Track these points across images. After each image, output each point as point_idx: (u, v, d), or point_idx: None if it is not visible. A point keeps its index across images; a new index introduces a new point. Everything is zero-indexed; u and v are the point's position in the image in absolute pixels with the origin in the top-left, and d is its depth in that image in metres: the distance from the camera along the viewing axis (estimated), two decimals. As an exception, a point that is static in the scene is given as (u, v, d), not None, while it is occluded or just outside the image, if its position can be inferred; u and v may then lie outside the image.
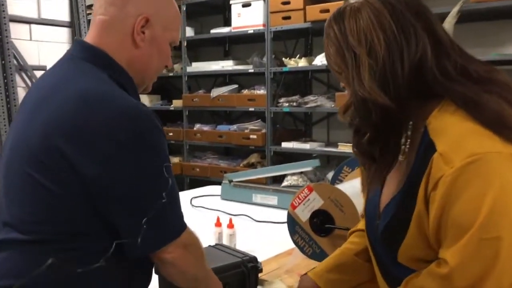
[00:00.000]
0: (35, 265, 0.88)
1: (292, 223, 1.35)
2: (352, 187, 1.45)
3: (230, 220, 1.63)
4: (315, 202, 1.32)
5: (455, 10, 2.36)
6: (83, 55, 0.99)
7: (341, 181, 1.65)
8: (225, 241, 1.60)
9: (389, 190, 0.92)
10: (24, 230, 0.91)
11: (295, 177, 3.56)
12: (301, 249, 1.34)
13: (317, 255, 1.31)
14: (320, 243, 1.30)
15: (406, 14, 0.85)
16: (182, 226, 0.97)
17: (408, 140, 0.88)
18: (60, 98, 0.91)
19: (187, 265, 0.98)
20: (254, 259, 1.25)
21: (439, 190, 0.77)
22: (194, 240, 1.00)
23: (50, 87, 0.96)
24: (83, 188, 0.88)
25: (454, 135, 0.79)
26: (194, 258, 0.99)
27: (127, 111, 0.90)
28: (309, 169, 2.38)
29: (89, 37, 1.02)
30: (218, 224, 1.62)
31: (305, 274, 1.15)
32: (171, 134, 4.33)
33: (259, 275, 1.25)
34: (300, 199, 1.35)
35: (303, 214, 1.34)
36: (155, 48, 1.04)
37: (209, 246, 1.34)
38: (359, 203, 1.33)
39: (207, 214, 2.04)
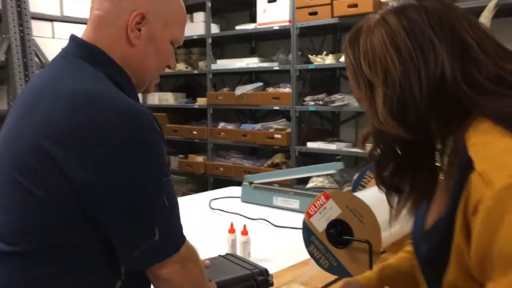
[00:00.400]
0: (20, 279, 0.82)
1: (308, 233, 1.25)
2: (373, 195, 1.34)
3: (244, 227, 1.54)
4: (332, 211, 1.21)
5: (492, 3, 2.19)
6: (77, 53, 0.93)
7: (364, 186, 1.54)
8: (238, 249, 1.52)
9: (434, 211, 0.84)
10: (10, 240, 0.85)
11: (320, 179, 3.45)
12: (317, 261, 1.24)
13: (334, 268, 1.21)
14: (337, 256, 1.20)
15: (425, 28, 0.76)
16: (181, 240, 0.90)
17: (447, 158, 0.80)
18: (52, 98, 0.85)
19: (184, 282, 0.90)
20: (265, 272, 1.16)
21: (479, 215, 0.66)
22: (192, 255, 0.93)
23: (42, 87, 0.90)
24: (74, 195, 0.82)
25: (494, 152, 0.70)
26: (192, 275, 0.92)
27: (122, 112, 0.83)
28: (332, 172, 2.26)
29: (84, 33, 0.96)
30: (231, 230, 1.54)
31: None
32: (195, 132, 4.28)
33: (270, 288, 1.17)
34: (316, 207, 1.24)
35: (319, 224, 1.23)
36: (153, 46, 0.96)
37: (219, 255, 1.26)
38: (381, 212, 1.22)
39: (225, 217, 1.97)
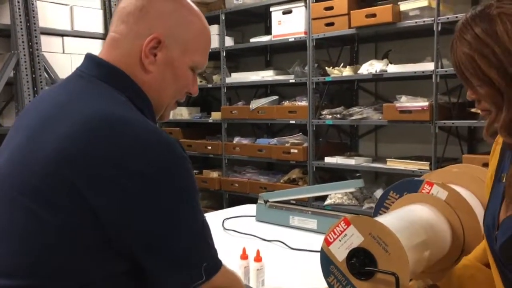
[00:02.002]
0: None
1: (327, 262, 1.13)
2: (399, 219, 1.21)
3: (258, 253, 1.43)
4: (354, 238, 1.10)
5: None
6: (96, 73, 0.85)
7: (387, 208, 1.41)
8: (251, 277, 1.41)
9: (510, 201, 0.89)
10: (13, 273, 0.75)
11: (339, 195, 3.31)
12: (337, 293, 1.12)
13: (357, 302, 1.08)
14: (360, 289, 1.08)
15: None
16: (211, 267, 0.83)
17: None
18: (70, 120, 0.77)
19: None
20: None
21: None
22: (230, 283, 0.86)
23: (56, 107, 0.81)
24: (98, 226, 0.74)
25: None
26: None
27: (152, 141, 0.77)
28: (351, 190, 2.14)
29: (100, 54, 0.89)
30: (244, 256, 1.43)
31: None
32: (209, 147, 4.19)
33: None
34: (335, 234, 1.12)
35: (339, 252, 1.11)
36: (170, 73, 0.89)
37: None
38: (408, 240, 1.10)
39: (239, 239, 1.86)
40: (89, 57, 0.88)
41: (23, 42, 3.08)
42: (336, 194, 3.36)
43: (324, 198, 3.44)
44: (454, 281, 1.16)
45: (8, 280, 0.74)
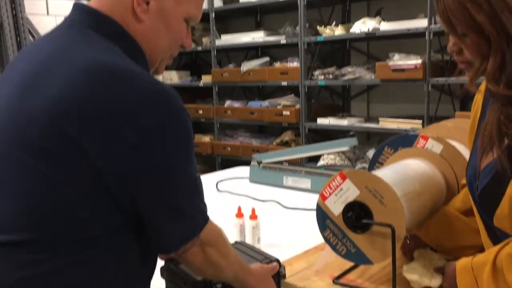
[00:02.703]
0: (18, 271, 0.72)
1: (323, 217, 1.13)
2: (395, 173, 1.21)
3: (253, 211, 1.42)
4: (350, 192, 1.09)
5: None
6: (87, 22, 0.81)
7: (381, 164, 1.41)
8: (247, 234, 1.41)
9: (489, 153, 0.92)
10: (14, 228, 0.73)
11: (331, 156, 3.32)
12: (333, 247, 1.12)
13: (352, 255, 1.09)
14: (356, 242, 1.08)
15: None
16: (202, 222, 0.83)
17: None
18: (65, 71, 0.73)
19: (204, 266, 0.86)
20: (276, 263, 1.05)
21: None
22: (212, 240, 0.86)
23: (47, 58, 0.77)
24: (100, 181, 0.73)
25: None
26: (212, 260, 0.86)
27: (151, 91, 0.74)
28: (345, 149, 2.14)
29: (90, 3, 0.84)
30: (239, 215, 1.43)
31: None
32: (201, 112, 4.16)
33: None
34: (331, 188, 1.12)
35: (335, 207, 1.11)
36: (163, 23, 0.85)
37: None
38: (404, 192, 1.09)
39: (233, 200, 1.86)
40: (78, 6, 0.84)
41: (5, 4, 2.98)
42: (329, 155, 3.36)
43: (316, 159, 3.45)
44: (432, 231, 1.17)
45: (9, 236, 0.73)
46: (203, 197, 0.83)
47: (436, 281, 1.04)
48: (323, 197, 1.13)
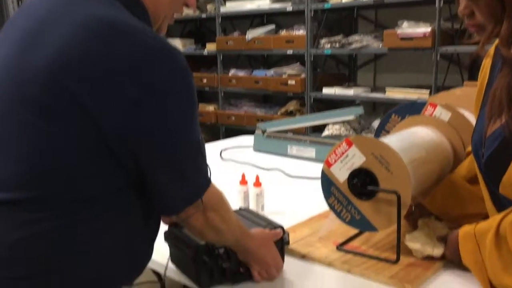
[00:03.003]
0: (18, 230, 0.71)
1: (327, 184, 1.12)
2: (402, 140, 1.19)
3: (257, 178, 1.41)
4: (355, 158, 1.07)
5: None
6: None
7: (388, 132, 1.39)
8: (251, 201, 1.40)
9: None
10: (15, 186, 0.72)
11: (336, 126, 3.29)
12: (338, 214, 1.11)
13: (357, 222, 1.08)
14: (361, 208, 1.07)
15: None
16: (204, 185, 0.82)
17: None
18: (64, 27, 0.71)
19: (206, 230, 0.86)
20: (280, 229, 1.04)
21: None
22: (213, 204, 0.84)
23: (46, 14, 0.75)
24: (101, 137, 0.71)
25: None
26: (213, 224, 0.85)
27: (154, 47, 0.72)
28: (351, 117, 2.11)
29: None
30: (243, 182, 1.42)
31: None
32: (205, 80, 4.11)
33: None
34: (336, 155, 1.10)
35: (341, 173, 1.10)
36: None
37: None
38: (411, 160, 1.08)
39: (237, 168, 1.85)
40: None
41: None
42: (334, 125, 3.33)
43: (321, 130, 3.42)
44: (437, 199, 1.16)
45: (9, 194, 0.72)
46: (206, 160, 0.82)
47: (439, 250, 1.03)
48: (328, 164, 1.11)
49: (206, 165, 0.81)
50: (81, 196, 0.72)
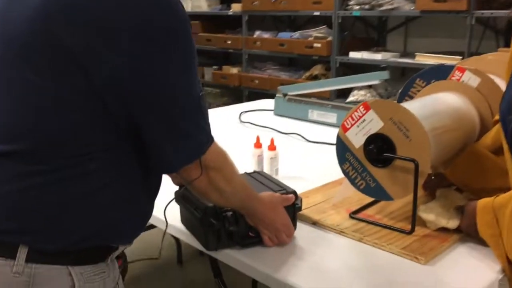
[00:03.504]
0: (13, 182, 0.70)
1: (342, 149, 1.07)
2: (425, 106, 1.12)
3: (272, 141, 1.37)
4: (373, 124, 1.02)
5: None
6: None
7: (411, 97, 1.32)
8: (265, 165, 1.37)
9: None
10: (9, 137, 0.71)
11: (362, 92, 3.20)
12: (352, 181, 1.07)
13: (371, 189, 1.04)
14: (376, 176, 1.02)
15: None
16: (205, 144, 0.78)
17: None
18: None
19: (208, 190, 0.82)
20: (292, 194, 1.01)
21: None
22: (217, 164, 0.80)
23: None
24: (96, 91, 0.68)
25: None
26: (216, 185, 0.81)
27: None
28: (376, 82, 2.03)
29: None
30: (257, 145, 1.38)
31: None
32: (229, 42, 4.04)
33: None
34: (353, 119, 1.05)
35: (356, 139, 1.05)
36: None
37: (245, 173, 1.11)
38: (433, 127, 1.01)
39: (255, 131, 1.81)
40: None
41: None
42: (359, 91, 3.24)
43: (346, 95, 3.33)
44: (459, 169, 1.10)
45: (3, 146, 0.71)
46: (207, 116, 0.78)
47: (454, 222, 0.99)
48: (344, 128, 1.06)
49: (207, 123, 0.77)
50: (75, 151, 0.70)
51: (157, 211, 0.98)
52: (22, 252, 0.69)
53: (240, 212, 0.93)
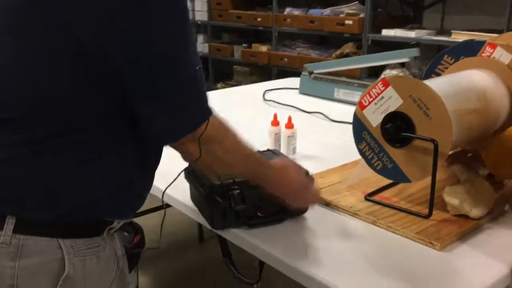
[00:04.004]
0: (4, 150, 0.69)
1: (359, 128, 1.02)
2: (451, 83, 1.06)
3: (289, 119, 1.33)
4: (391, 101, 0.96)
5: None
6: None
7: (438, 75, 1.24)
8: (282, 143, 1.33)
9: None
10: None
11: (394, 71, 3.07)
12: (369, 161, 1.02)
13: (388, 170, 0.99)
14: (393, 156, 0.97)
15: None
16: (200, 117, 0.73)
17: None
18: None
19: (209, 161, 0.77)
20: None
21: None
22: (217, 137, 0.76)
23: None
24: (82, 55, 0.65)
25: None
26: (217, 157, 0.78)
27: None
28: (406, 60, 1.93)
29: None
30: (275, 122, 1.35)
31: None
32: (259, 19, 3.96)
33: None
34: (371, 96, 1.00)
35: (374, 117, 0.99)
36: None
37: (257, 151, 1.08)
38: (457, 107, 0.95)
39: (277, 110, 1.77)
40: None
41: None
42: (391, 70, 3.12)
43: (378, 74, 3.22)
44: (493, 153, 1.04)
45: None
46: (203, 89, 0.73)
47: (477, 211, 0.93)
48: (361, 106, 1.01)
49: (202, 95, 0.73)
50: (63, 119, 0.68)
51: (169, 190, 0.97)
52: (10, 223, 0.68)
53: (253, 183, 0.88)
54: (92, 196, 0.73)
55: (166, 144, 0.76)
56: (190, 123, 0.72)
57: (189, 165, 1.01)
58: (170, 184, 0.97)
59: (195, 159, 0.75)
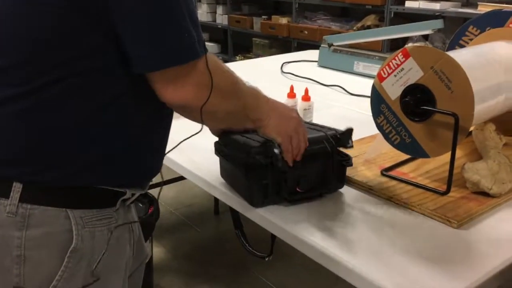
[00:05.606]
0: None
1: (377, 101, 0.99)
2: (476, 55, 1.01)
3: (306, 91, 1.30)
4: (411, 73, 0.92)
5: None
6: None
7: (463, 46, 1.19)
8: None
9: None
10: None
11: (417, 44, 2.99)
12: (386, 136, 0.99)
13: (407, 145, 0.95)
14: (412, 131, 0.94)
15: None
16: (184, 51, 0.67)
17: None
18: None
19: (217, 109, 0.73)
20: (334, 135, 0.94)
21: None
22: (217, 78, 0.71)
23: None
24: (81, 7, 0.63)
25: None
26: (221, 102, 0.73)
27: None
28: (429, 32, 1.86)
29: None
30: (291, 95, 1.32)
31: None
32: (279, -10, 3.87)
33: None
34: (390, 68, 0.96)
35: (393, 89, 0.96)
36: None
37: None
38: (479, 80, 0.91)
39: (295, 82, 1.73)
40: None
41: None
42: (414, 43, 3.03)
43: (399, 48, 3.13)
44: None
45: None
46: (195, 24, 0.68)
47: (498, 188, 0.89)
48: (380, 78, 0.97)
49: (191, 30, 0.68)
50: (51, 67, 0.65)
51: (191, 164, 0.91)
52: (16, 191, 0.67)
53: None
54: (91, 158, 0.69)
55: (148, 71, 0.68)
56: (175, 55, 0.67)
57: (219, 137, 0.94)
58: (168, 151, 0.88)
59: (194, 106, 0.70)
